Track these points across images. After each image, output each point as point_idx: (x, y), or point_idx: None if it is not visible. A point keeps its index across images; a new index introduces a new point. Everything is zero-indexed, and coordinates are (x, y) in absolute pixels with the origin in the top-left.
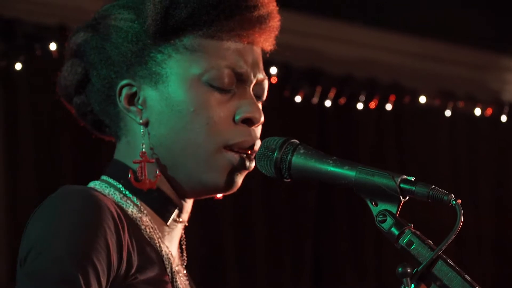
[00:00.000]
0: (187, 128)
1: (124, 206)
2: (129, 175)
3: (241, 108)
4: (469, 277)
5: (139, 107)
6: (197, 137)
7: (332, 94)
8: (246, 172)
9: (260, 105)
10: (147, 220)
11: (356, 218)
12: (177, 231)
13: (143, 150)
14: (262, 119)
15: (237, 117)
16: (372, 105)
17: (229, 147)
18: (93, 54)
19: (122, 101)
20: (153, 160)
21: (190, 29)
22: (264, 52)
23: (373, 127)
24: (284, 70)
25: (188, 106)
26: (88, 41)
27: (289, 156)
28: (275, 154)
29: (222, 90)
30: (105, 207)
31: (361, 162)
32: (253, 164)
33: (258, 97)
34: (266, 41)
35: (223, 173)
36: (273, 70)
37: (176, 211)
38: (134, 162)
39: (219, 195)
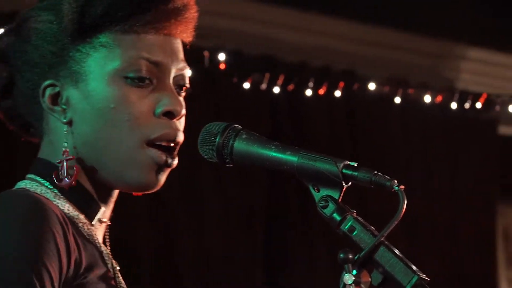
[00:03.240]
0: (108, 125)
1: (60, 205)
2: (53, 174)
3: (161, 102)
4: (423, 265)
5: (63, 106)
6: (119, 134)
7: (285, 81)
8: (169, 169)
9: (183, 94)
10: (83, 217)
11: (308, 210)
12: (101, 230)
13: (66, 149)
14: (183, 111)
15: (158, 111)
16: (321, 91)
17: (151, 142)
18: (17, 58)
19: (45, 101)
20: (73, 157)
21: (106, 26)
22: (184, 44)
23: (325, 114)
24: (236, 57)
25: (108, 103)
26: (11, 45)
27: (231, 141)
28: (217, 139)
29: (140, 83)
30: (51, 210)
31: (314, 149)
32: (175, 161)
33: (181, 86)
34: (184, 32)
35: (145, 171)
36: (222, 56)
37: (101, 210)
38: (58, 163)
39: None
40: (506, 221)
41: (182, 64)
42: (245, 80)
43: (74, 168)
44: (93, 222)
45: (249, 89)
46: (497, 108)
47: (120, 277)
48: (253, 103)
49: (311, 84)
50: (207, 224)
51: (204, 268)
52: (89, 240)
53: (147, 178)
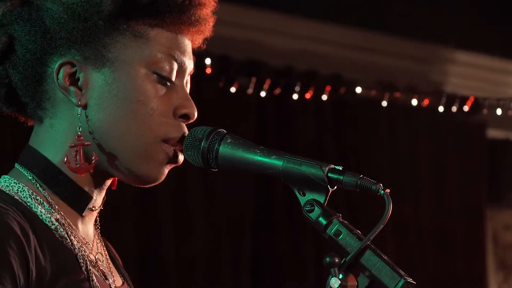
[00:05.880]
0: (129, 116)
1: (33, 207)
2: (65, 160)
3: (185, 104)
4: (413, 268)
5: (79, 88)
6: (139, 127)
7: (271, 85)
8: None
9: None
10: (57, 217)
11: (296, 215)
12: (91, 217)
13: (79, 133)
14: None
15: (180, 111)
16: (308, 95)
17: (167, 140)
18: (26, 25)
19: (60, 79)
20: (90, 143)
21: (145, 18)
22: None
23: (312, 118)
24: (222, 61)
25: (134, 94)
26: (19, 10)
27: (216, 146)
28: (202, 143)
29: (164, 80)
30: (6, 225)
31: (300, 153)
32: (182, 158)
33: None
34: (199, 40)
35: (157, 165)
36: (208, 61)
37: (92, 200)
38: (70, 147)
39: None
40: (495, 225)
41: (192, 67)
42: (231, 85)
43: (94, 155)
44: (83, 214)
45: (235, 94)
46: (485, 111)
47: (96, 280)
48: (239, 107)
49: (297, 88)
50: (194, 230)
51: (190, 275)
52: (61, 244)
53: (157, 172)
